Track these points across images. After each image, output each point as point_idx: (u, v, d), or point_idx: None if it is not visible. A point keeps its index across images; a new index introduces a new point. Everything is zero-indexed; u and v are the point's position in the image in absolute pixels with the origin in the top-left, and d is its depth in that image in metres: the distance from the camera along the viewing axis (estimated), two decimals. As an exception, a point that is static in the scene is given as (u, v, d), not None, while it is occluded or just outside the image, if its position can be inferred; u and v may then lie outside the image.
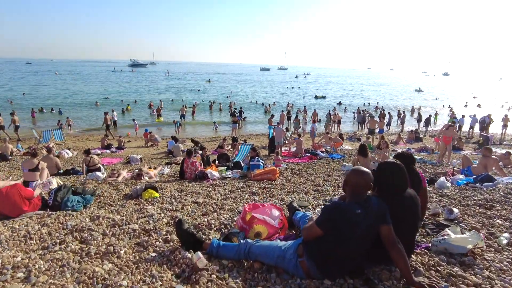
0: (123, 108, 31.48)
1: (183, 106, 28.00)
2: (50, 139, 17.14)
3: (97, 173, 8.26)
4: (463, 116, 21.66)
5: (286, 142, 17.91)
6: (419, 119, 25.84)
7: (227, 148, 16.49)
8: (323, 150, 14.99)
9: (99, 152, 15.11)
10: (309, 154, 13.80)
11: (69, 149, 15.05)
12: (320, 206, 4.32)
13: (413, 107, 34.69)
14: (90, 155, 10.20)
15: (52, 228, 3.38)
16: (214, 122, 24.55)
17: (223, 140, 17.04)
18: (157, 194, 5.11)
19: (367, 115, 25.92)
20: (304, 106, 33.51)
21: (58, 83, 62.56)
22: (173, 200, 4.79)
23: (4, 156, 12.15)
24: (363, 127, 25.42)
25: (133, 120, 23.19)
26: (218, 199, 4.91)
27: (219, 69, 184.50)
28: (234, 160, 9.97)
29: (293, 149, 15.51)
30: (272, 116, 20.12)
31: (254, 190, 5.57)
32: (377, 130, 18.79)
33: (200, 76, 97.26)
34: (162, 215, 3.91)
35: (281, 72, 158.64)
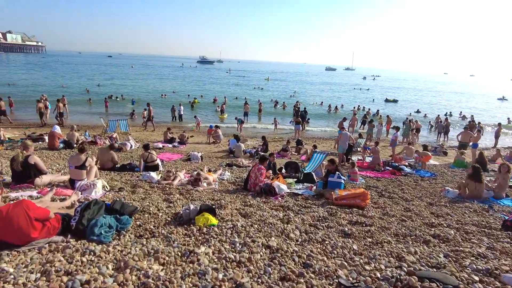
0: (192, 103, 31.81)
1: (246, 103, 27.09)
2: (115, 129, 17.24)
3: (152, 174, 7.31)
4: None
5: (359, 149, 15.87)
6: (518, 134, 21.62)
7: (293, 152, 15.00)
8: (406, 164, 12.71)
9: (161, 146, 14.65)
10: (390, 168, 11.68)
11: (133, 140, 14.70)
12: (474, 285, 2.58)
13: (508, 119, 29.60)
14: (149, 151, 9.50)
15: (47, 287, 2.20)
16: (275, 118, 23.07)
17: (287, 142, 15.59)
18: (214, 221, 3.79)
19: (447, 125, 22.33)
20: (377, 110, 30.61)
21: (133, 76, 66.57)
22: (235, 237, 3.40)
23: (70, 143, 12.10)
24: (445, 138, 22.00)
25: (195, 117, 22.74)
26: (297, 241, 3.43)
27: (283, 68, 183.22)
28: (305, 171, 8.39)
29: (368, 159, 13.48)
30: (344, 119, 18.08)
31: (345, 229, 3.95)
32: (470, 144, 15.75)
33: (264, 74, 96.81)
34: (221, 275, 2.51)
35: (348, 73, 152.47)
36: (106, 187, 5.59)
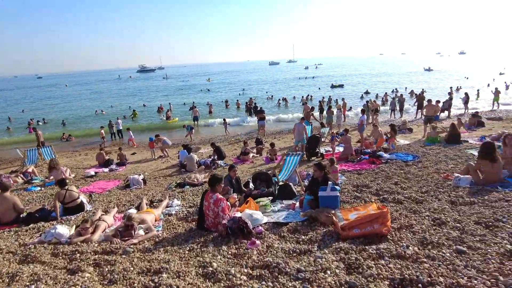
0: (132, 116, 28.78)
1: (194, 107, 24.58)
2: (37, 160, 13.98)
3: (59, 229, 4.86)
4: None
5: (324, 139, 14.41)
6: (466, 101, 21.69)
7: (253, 155, 13.06)
8: (378, 148, 11.43)
9: (92, 173, 11.83)
10: (366, 157, 10.22)
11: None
12: None
13: (451, 88, 30.24)
14: (66, 187, 6.97)
15: None
16: (224, 120, 20.91)
17: (245, 143, 13.47)
18: None
19: (401, 100, 21.97)
20: (329, 96, 29.90)
21: (66, 95, 60.37)
22: None
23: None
24: (401, 115, 21.55)
25: (128, 129, 19.74)
26: None
27: (228, 68, 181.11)
28: (279, 182, 6.40)
29: (338, 149, 12.03)
30: (312, 108, 16.73)
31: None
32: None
33: (207, 76, 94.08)
34: None
35: (291, 65, 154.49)
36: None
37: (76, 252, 3.96)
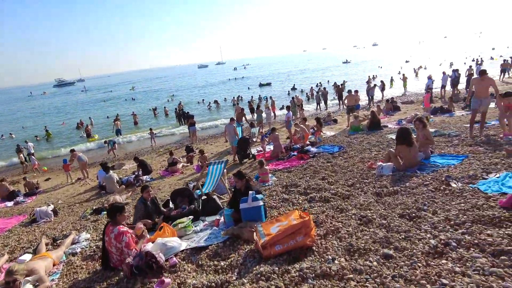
0: (46, 137, 25.69)
1: (116, 119, 22.58)
2: None
3: None
4: (444, 73, 19.27)
5: (256, 139, 14.17)
6: (383, 88, 23.46)
7: (183, 164, 12.22)
8: (307, 143, 11.45)
9: (-10, 210, 9.99)
10: (295, 153, 10.12)
11: None
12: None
13: (368, 77, 32.51)
14: None
15: None
16: (150, 129, 19.27)
17: (171, 154, 12.40)
18: None
19: (325, 93, 22.94)
20: (259, 95, 30.05)
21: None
22: None
23: None
24: (326, 107, 22.47)
25: (32, 154, 17.62)
26: None
27: (154, 74, 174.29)
28: (203, 196, 5.77)
29: (270, 148, 11.83)
30: (242, 109, 16.37)
31: None
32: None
33: (131, 84, 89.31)
34: None
35: (219, 67, 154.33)
36: None
37: None
